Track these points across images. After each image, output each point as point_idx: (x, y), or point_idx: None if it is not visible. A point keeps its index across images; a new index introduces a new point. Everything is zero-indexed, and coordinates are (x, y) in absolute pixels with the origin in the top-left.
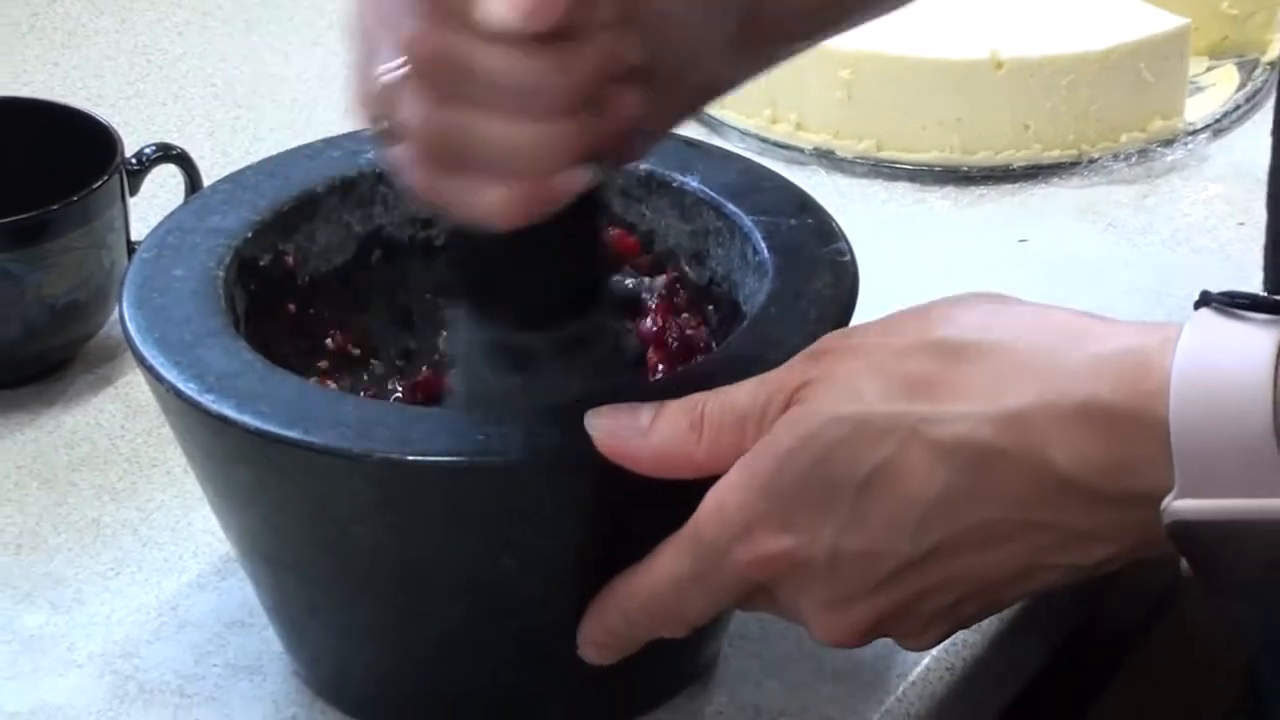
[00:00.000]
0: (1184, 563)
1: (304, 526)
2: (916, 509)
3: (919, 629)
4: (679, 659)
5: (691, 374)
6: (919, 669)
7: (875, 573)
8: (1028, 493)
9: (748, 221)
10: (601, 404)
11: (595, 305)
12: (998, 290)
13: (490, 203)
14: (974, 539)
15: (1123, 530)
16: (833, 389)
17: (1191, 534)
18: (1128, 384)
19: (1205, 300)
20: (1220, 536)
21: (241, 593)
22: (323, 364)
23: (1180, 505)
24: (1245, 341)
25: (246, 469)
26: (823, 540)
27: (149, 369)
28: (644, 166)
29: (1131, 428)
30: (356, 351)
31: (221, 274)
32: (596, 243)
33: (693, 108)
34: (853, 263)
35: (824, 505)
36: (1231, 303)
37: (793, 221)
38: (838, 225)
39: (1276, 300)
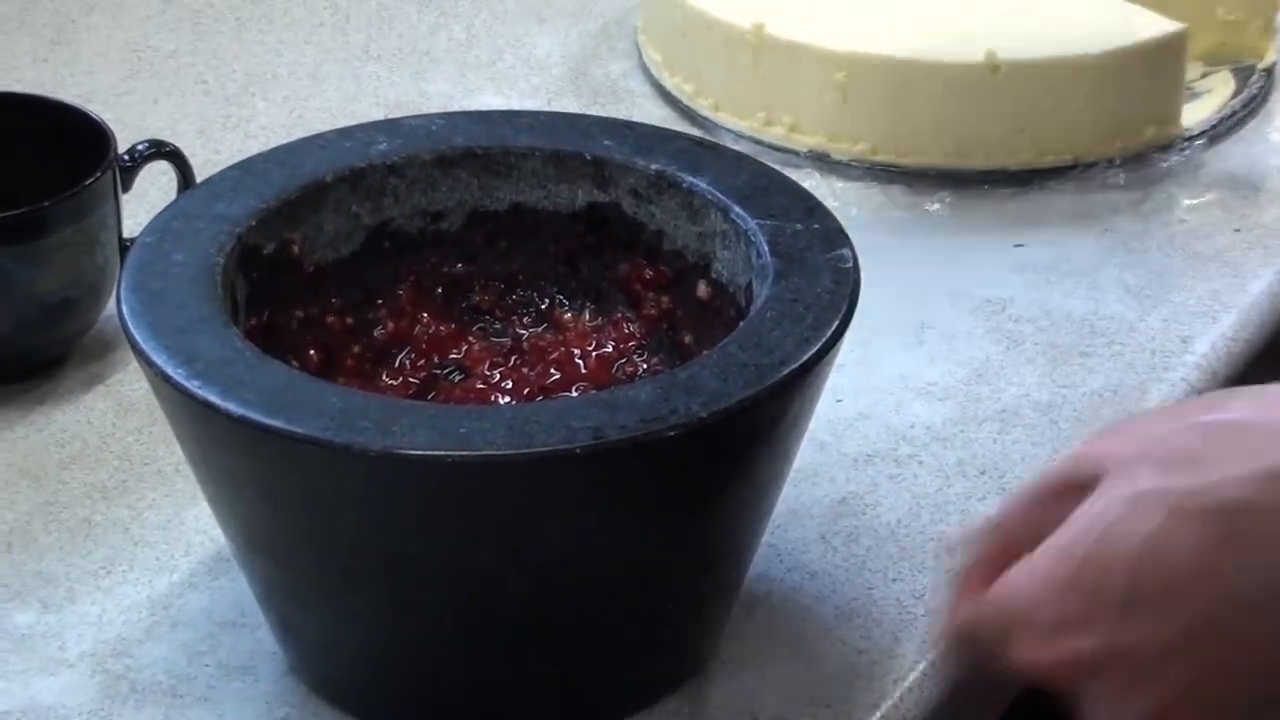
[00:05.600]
0: None
1: (287, 515)
2: (1184, 579)
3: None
4: (671, 660)
5: (679, 377)
6: (915, 674)
7: (1148, 657)
8: None
9: (752, 224)
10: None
11: None
12: (990, 294)
13: None
14: (1250, 600)
15: None
16: (1112, 479)
17: None
18: None
19: None
20: None
21: (234, 592)
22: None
23: None
24: None
25: (232, 456)
26: (1099, 638)
27: (140, 353)
28: (654, 166)
29: None
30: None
31: (221, 261)
32: None
33: None
34: (855, 269)
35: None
36: None
37: (798, 226)
38: (843, 231)
39: None
